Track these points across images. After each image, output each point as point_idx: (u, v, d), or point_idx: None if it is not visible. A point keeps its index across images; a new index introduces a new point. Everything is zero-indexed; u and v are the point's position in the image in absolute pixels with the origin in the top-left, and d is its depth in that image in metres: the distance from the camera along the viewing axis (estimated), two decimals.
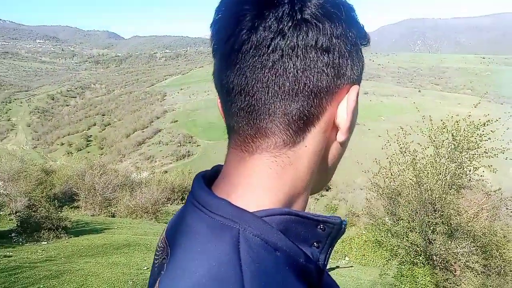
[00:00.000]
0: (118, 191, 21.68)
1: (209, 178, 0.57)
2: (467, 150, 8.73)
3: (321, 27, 0.46)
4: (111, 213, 20.50)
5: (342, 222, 0.51)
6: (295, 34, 0.45)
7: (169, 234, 0.56)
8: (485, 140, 8.60)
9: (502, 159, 8.64)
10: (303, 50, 0.46)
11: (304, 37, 0.46)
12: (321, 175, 0.56)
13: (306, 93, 0.47)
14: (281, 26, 0.45)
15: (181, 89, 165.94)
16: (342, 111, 0.51)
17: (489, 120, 8.86)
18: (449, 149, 8.93)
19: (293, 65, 0.46)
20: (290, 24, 0.45)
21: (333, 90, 0.49)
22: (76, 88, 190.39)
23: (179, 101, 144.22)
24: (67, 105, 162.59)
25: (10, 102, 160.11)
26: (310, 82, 0.47)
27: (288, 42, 0.45)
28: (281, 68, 0.46)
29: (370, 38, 0.55)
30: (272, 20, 0.45)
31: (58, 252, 9.39)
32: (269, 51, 0.46)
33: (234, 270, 0.41)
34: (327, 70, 0.48)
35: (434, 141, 9.14)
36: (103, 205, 20.66)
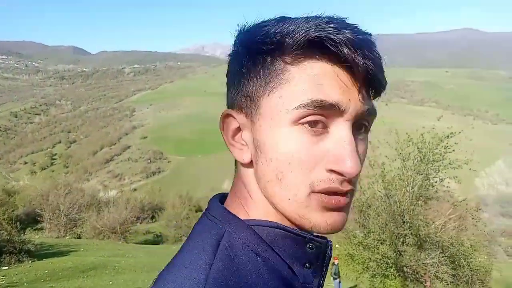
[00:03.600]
0: (84, 211, 21.05)
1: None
2: (432, 162, 8.97)
3: None
4: (77, 235, 19.85)
5: (328, 242, 0.52)
6: None
7: None
8: (449, 152, 8.86)
9: (466, 170, 8.89)
10: None
11: None
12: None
13: None
14: None
15: (151, 105, 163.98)
16: None
17: (452, 133, 9.15)
18: (416, 161, 9.15)
19: None
20: None
21: None
22: (40, 105, 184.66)
23: (148, 117, 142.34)
24: (31, 123, 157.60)
25: None
26: None
27: None
28: None
29: None
30: None
31: (20, 277, 9.01)
32: None
33: (207, 256, 0.47)
34: None
35: (400, 153, 9.34)
36: (69, 226, 19.97)
